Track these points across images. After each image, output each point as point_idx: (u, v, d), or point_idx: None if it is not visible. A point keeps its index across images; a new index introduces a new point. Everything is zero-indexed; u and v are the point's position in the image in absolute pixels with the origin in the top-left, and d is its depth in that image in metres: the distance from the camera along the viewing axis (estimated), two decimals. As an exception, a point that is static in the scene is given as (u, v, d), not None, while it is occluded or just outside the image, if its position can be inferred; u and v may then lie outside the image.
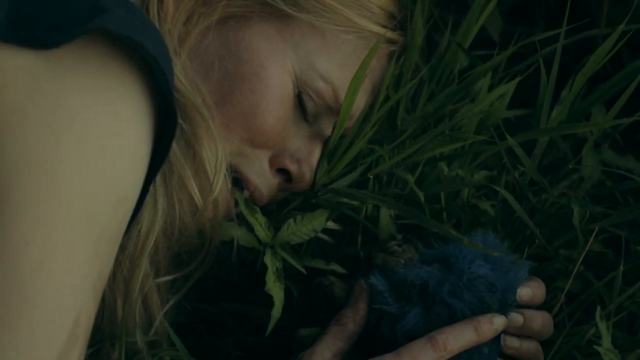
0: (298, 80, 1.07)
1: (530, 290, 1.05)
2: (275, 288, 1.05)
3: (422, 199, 1.11)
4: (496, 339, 1.04)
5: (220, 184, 1.01)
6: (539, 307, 1.09)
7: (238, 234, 1.08)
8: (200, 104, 0.99)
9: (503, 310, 1.04)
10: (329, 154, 1.13)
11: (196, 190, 0.99)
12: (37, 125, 0.76)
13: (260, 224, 1.07)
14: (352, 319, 1.03)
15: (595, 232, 1.13)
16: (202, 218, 1.02)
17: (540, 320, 1.06)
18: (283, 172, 1.11)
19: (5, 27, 0.77)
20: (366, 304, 1.03)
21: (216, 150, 1.00)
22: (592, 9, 1.42)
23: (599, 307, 1.06)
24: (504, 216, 1.19)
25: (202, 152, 0.98)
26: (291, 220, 1.09)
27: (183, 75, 0.99)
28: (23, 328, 0.72)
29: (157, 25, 0.99)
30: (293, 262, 1.07)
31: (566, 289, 1.14)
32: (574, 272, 1.14)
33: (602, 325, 1.05)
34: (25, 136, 0.75)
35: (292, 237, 1.09)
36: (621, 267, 1.09)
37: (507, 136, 1.12)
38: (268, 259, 1.06)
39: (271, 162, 1.09)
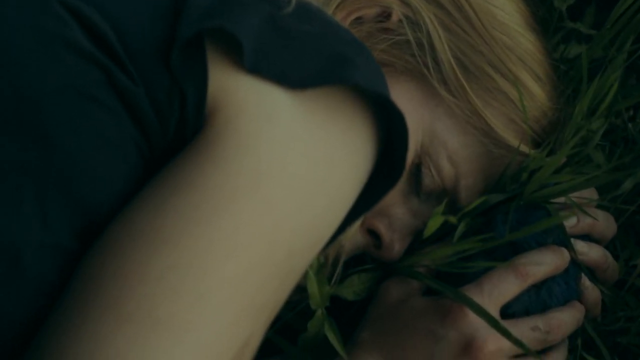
0: (423, 151, 0.99)
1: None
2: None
3: None
4: (573, 276, 1.02)
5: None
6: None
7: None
8: None
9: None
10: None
11: None
12: (269, 151, 0.75)
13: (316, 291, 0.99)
14: None
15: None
16: None
17: (603, 216, 1.05)
18: (374, 235, 1.04)
19: (250, 57, 0.76)
20: None
21: None
22: None
23: None
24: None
25: None
26: (355, 277, 1.02)
27: None
28: (197, 329, 0.72)
29: None
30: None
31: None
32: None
33: None
34: (255, 159, 0.75)
35: (349, 293, 1.03)
36: None
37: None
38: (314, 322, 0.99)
39: (365, 221, 1.03)
